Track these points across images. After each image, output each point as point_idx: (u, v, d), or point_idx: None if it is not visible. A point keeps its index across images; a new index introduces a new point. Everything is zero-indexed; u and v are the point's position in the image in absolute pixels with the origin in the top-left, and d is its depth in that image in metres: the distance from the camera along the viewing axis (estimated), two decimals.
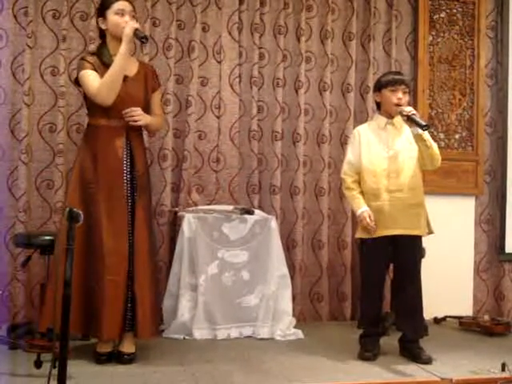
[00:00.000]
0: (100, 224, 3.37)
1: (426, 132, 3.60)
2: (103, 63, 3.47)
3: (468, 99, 5.26)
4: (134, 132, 3.54)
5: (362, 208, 3.70)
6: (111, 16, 3.50)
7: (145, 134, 3.84)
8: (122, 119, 3.48)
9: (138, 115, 3.49)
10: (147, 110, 3.63)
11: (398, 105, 3.67)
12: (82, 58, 3.58)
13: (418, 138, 3.61)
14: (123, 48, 3.41)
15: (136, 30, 3.44)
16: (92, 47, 4.44)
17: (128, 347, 3.49)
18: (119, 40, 3.44)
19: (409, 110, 3.60)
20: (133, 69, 3.59)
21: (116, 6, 3.50)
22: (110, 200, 3.40)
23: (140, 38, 3.46)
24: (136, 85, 3.55)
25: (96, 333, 3.39)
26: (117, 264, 3.35)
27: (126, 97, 3.47)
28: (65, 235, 3.20)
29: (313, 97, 5.01)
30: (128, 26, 3.43)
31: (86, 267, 3.36)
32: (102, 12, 3.56)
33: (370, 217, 3.65)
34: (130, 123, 3.48)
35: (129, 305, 3.41)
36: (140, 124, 3.52)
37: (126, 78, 3.50)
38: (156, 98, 3.72)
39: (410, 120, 3.59)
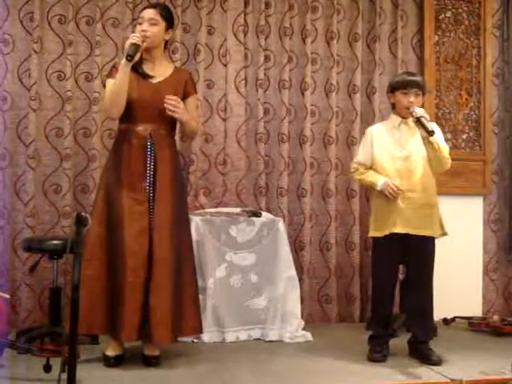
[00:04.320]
0: (122, 226, 3.38)
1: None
2: (134, 70, 3.44)
3: (475, 99, 5.24)
4: (160, 136, 3.50)
5: (382, 178, 3.66)
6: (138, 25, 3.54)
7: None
8: (148, 124, 3.48)
9: (177, 106, 3.42)
10: None
11: (409, 108, 3.65)
12: (113, 65, 3.62)
13: (426, 141, 3.59)
14: (123, 62, 3.38)
15: (131, 44, 3.34)
16: (96, 52, 4.51)
17: (153, 350, 3.50)
18: (146, 48, 3.44)
19: (419, 112, 3.57)
20: (164, 73, 3.56)
21: (140, 15, 3.54)
22: (132, 203, 3.42)
23: (126, 53, 3.34)
24: (165, 89, 3.49)
25: (116, 334, 3.39)
26: (137, 266, 3.35)
27: (152, 101, 3.46)
28: (89, 239, 3.38)
29: (319, 98, 5.01)
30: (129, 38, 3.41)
31: (110, 269, 3.40)
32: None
33: (392, 183, 3.61)
34: (167, 111, 3.42)
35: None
36: (176, 116, 3.45)
37: (152, 80, 3.50)
38: (190, 104, 3.63)
39: (418, 122, 3.57)
